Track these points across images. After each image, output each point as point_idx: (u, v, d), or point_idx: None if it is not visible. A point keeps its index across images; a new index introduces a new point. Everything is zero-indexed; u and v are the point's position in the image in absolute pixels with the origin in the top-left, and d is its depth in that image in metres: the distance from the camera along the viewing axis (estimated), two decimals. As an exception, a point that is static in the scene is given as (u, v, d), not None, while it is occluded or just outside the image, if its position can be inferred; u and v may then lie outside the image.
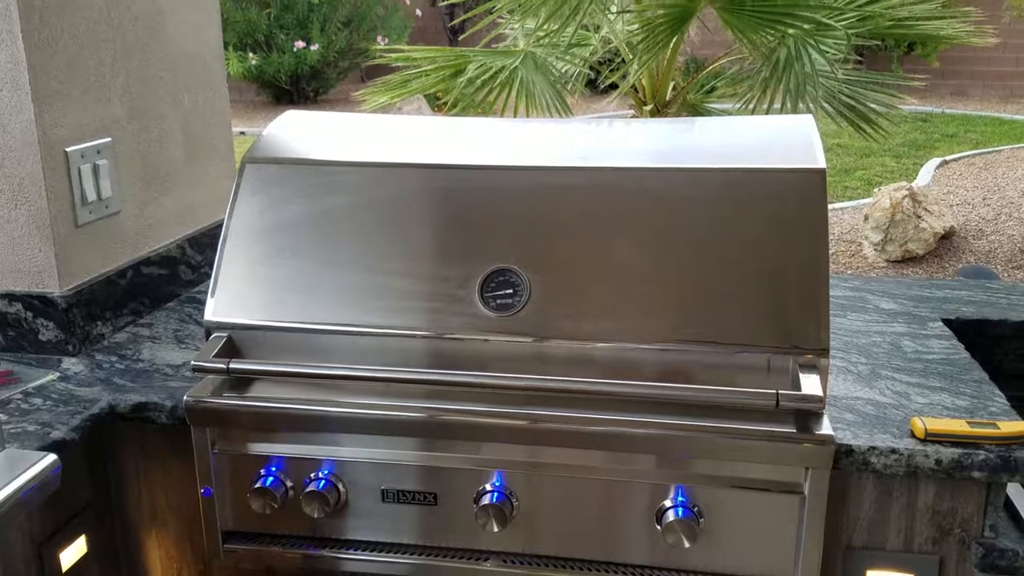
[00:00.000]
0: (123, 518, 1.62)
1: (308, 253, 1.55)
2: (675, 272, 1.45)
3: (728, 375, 1.40)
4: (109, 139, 1.80)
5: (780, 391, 1.32)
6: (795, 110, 4.62)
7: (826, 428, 1.34)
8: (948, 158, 9.18)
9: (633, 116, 5.15)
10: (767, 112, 4.37)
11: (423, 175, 1.58)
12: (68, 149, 1.69)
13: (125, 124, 1.86)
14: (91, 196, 1.74)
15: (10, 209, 1.66)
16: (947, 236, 5.89)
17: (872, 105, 4.75)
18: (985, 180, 8.05)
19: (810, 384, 1.33)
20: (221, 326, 1.53)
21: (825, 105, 4.72)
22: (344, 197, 1.58)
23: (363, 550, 1.52)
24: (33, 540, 1.44)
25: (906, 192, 5.76)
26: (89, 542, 1.55)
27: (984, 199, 7.19)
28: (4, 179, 1.64)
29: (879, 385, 1.54)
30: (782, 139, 1.59)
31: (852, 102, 4.77)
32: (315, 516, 1.48)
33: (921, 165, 8.98)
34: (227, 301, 1.54)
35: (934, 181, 8.17)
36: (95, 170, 1.75)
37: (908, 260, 5.77)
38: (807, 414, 1.37)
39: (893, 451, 1.33)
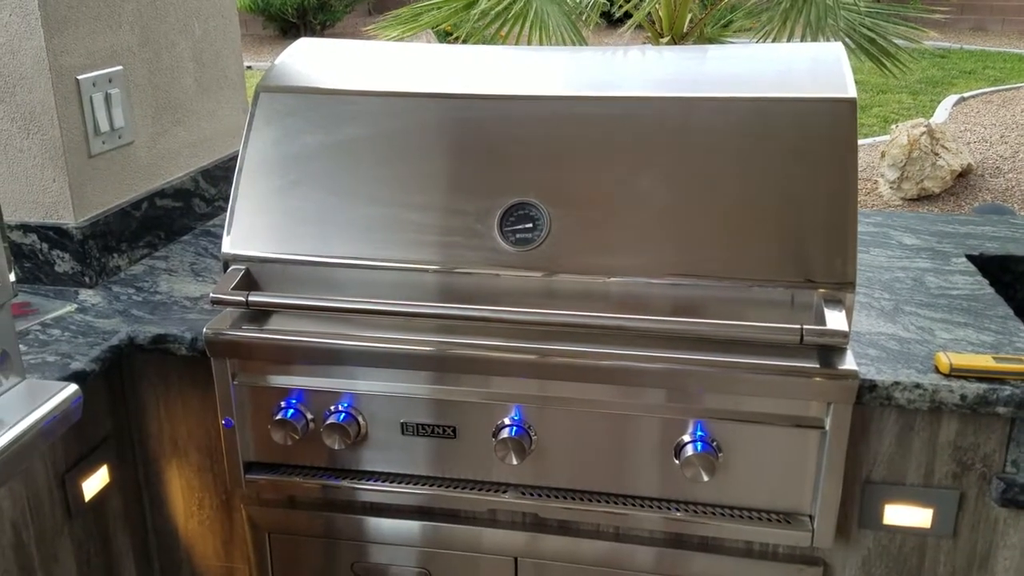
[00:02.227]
0: (144, 448, 1.64)
1: (324, 185, 1.53)
2: (699, 204, 1.42)
3: (751, 309, 1.39)
4: (120, 67, 1.77)
5: (805, 326, 1.30)
6: (815, 39, 4.52)
7: (850, 363, 1.33)
8: (966, 95, 9.02)
9: (646, 44, 5.05)
10: (787, 40, 4.27)
11: (440, 105, 1.54)
12: (79, 77, 1.66)
13: (136, 52, 1.82)
14: (104, 126, 1.72)
15: (22, 138, 1.64)
16: (964, 174, 5.81)
17: (893, 39, 4.64)
18: (1003, 117, 7.91)
19: (835, 319, 1.31)
20: (238, 259, 1.51)
21: (846, 39, 4.62)
22: (361, 127, 1.55)
23: (382, 481, 1.52)
24: (56, 470, 1.45)
25: (924, 129, 5.67)
26: (111, 472, 1.57)
27: (1002, 136, 7.08)
28: (16, 107, 1.62)
29: (903, 320, 1.53)
30: (810, 67, 1.54)
31: (873, 35, 4.67)
32: (336, 448, 1.48)
33: (938, 102, 8.83)
34: (244, 234, 1.52)
35: (951, 118, 8.04)
36: (107, 99, 1.72)
37: (924, 198, 5.70)
38: (830, 349, 1.36)
39: (917, 386, 1.32)
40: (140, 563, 1.67)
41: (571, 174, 1.48)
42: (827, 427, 1.35)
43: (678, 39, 4.61)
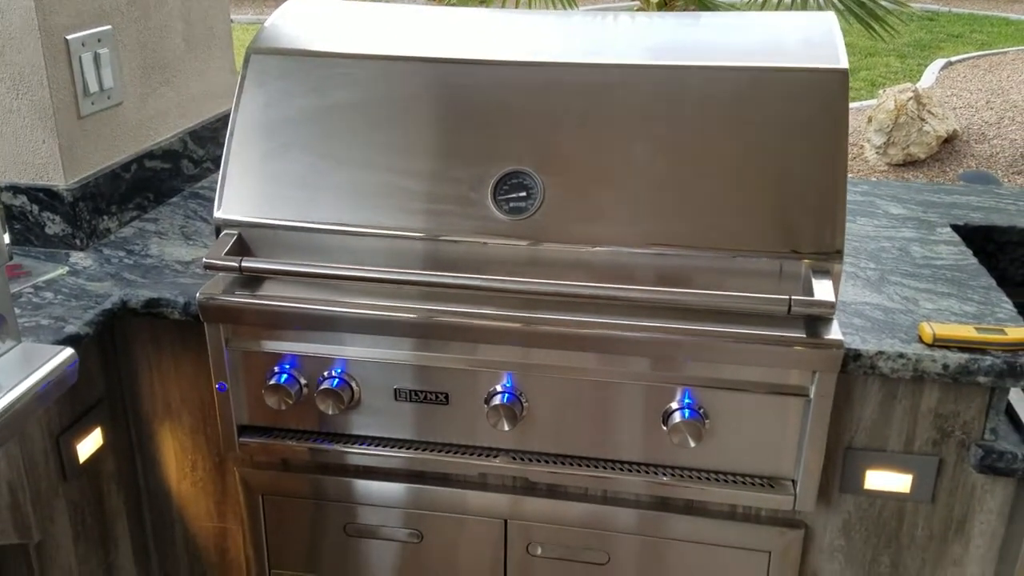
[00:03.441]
0: (136, 411, 1.65)
1: (316, 149, 1.53)
2: (691, 174, 1.44)
3: (739, 279, 1.41)
4: (109, 27, 1.75)
5: (793, 296, 1.32)
6: (804, 6, 4.50)
7: (835, 333, 1.35)
8: (953, 59, 9.03)
9: (639, 10, 5.01)
10: (777, 8, 4.26)
11: (435, 70, 1.54)
12: (68, 36, 1.64)
13: (124, 11, 1.80)
14: (93, 86, 1.70)
15: (12, 99, 1.62)
16: (949, 140, 5.84)
17: (882, 2, 4.63)
18: (989, 83, 7.93)
19: (822, 289, 1.34)
20: (231, 224, 1.52)
21: (836, 1, 4.60)
22: (353, 91, 1.55)
23: (374, 445, 1.55)
24: (51, 432, 1.46)
25: (911, 94, 5.68)
26: (105, 434, 1.58)
27: (987, 102, 7.11)
28: (4, 67, 1.60)
29: (888, 291, 1.55)
30: (802, 37, 1.55)
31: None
32: (330, 412, 1.50)
33: (926, 66, 8.83)
34: (236, 199, 1.52)
35: (937, 83, 8.06)
36: (96, 59, 1.70)
37: (909, 164, 5.73)
38: (816, 319, 1.38)
39: (901, 356, 1.35)
40: (133, 524, 1.70)
41: (565, 143, 1.49)
42: (812, 395, 1.38)
43: (668, 1, 4.58)
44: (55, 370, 1.26)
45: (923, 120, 5.60)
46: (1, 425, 1.15)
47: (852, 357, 1.36)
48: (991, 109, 6.84)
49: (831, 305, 1.31)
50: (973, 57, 9.15)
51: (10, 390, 1.19)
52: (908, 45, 9.62)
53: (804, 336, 1.35)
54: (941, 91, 7.53)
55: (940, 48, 9.69)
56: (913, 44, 9.75)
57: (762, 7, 4.48)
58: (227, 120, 2.16)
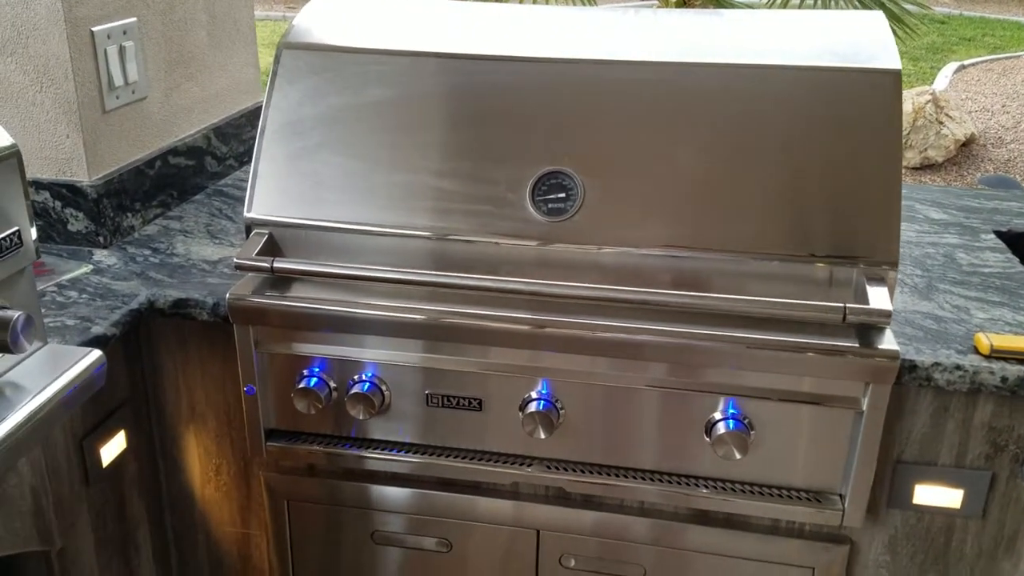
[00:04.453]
0: (160, 413, 1.60)
1: (350, 149, 1.48)
2: (738, 177, 1.39)
3: (785, 286, 1.36)
4: (134, 19, 1.70)
5: (848, 304, 1.28)
6: (825, 6, 4.46)
7: (890, 343, 1.31)
8: (966, 62, 8.97)
9: (657, 7, 4.97)
10: (799, 6, 4.21)
11: (471, 66, 1.49)
12: (94, 28, 1.59)
13: (150, 3, 1.75)
14: (118, 80, 1.66)
15: (35, 92, 1.58)
16: (967, 143, 5.78)
17: (905, 4, 4.59)
18: (1004, 86, 7.88)
19: (878, 297, 1.29)
20: (261, 223, 1.47)
21: (856, 2, 4.55)
22: (388, 88, 1.50)
23: (405, 451, 1.50)
24: (75, 435, 1.42)
25: (929, 97, 5.63)
26: (128, 437, 1.54)
27: (1003, 106, 7.05)
28: (28, 60, 1.56)
29: (937, 299, 1.50)
30: (853, 37, 1.50)
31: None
32: (360, 418, 1.46)
33: (938, 69, 8.78)
34: (267, 197, 1.48)
35: (951, 86, 8.00)
36: (121, 52, 1.66)
37: (926, 167, 5.68)
38: (869, 328, 1.33)
39: (958, 367, 1.31)
40: (155, 529, 1.65)
41: (605, 142, 1.44)
42: (864, 407, 1.33)
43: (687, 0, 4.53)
44: (82, 373, 1.21)
45: (941, 123, 5.55)
46: (27, 432, 1.11)
47: (907, 368, 1.31)
48: (1007, 113, 6.79)
49: (888, 314, 1.27)
50: (986, 60, 9.10)
51: (36, 394, 1.15)
52: (920, 48, 9.57)
53: (857, 346, 1.31)
54: (955, 94, 7.48)
55: (953, 51, 9.64)
56: (925, 47, 9.69)
57: (782, 6, 4.42)
58: (250, 116, 2.12)
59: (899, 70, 1.40)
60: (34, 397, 1.14)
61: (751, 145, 1.40)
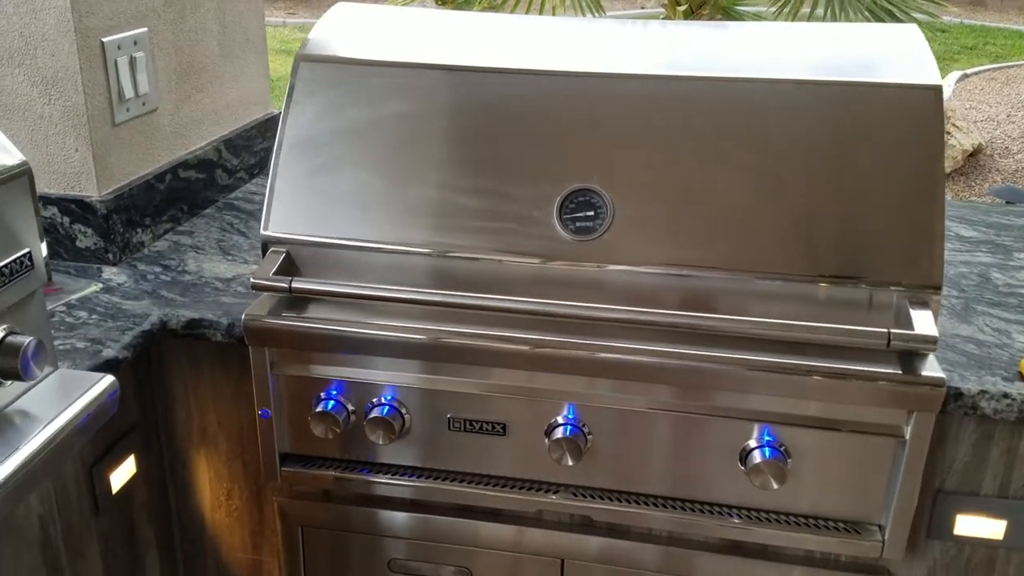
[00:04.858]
0: (171, 437, 1.55)
1: (370, 164, 1.43)
2: (775, 196, 1.34)
3: (822, 310, 1.31)
4: (145, 29, 1.65)
5: (891, 330, 1.23)
6: (835, 16, 4.42)
7: (935, 369, 1.26)
8: (969, 72, 8.95)
9: (665, 18, 4.93)
10: (808, 18, 4.18)
11: (495, 80, 1.45)
12: (105, 39, 1.54)
13: (161, 12, 1.70)
14: (128, 92, 1.61)
15: (43, 104, 1.52)
16: (974, 154, 5.75)
17: (914, 14, 4.55)
18: (1008, 96, 7.85)
19: (923, 323, 1.24)
20: (279, 241, 1.42)
21: (864, 10, 4.52)
22: (409, 102, 1.45)
23: (424, 477, 1.45)
24: (84, 462, 1.36)
25: (935, 107, 5.59)
26: (138, 462, 1.48)
27: (1008, 116, 7.02)
28: (36, 71, 1.50)
29: (977, 322, 1.46)
30: (890, 52, 1.46)
31: (892, 7, 4.57)
32: (380, 443, 1.41)
33: (941, 78, 8.75)
34: (285, 215, 1.43)
35: (955, 95, 7.97)
36: (132, 63, 1.61)
37: (932, 177, 5.63)
38: (912, 354, 1.28)
39: (1006, 396, 1.26)
40: (164, 555, 1.60)
41: (635, 159, 1.39)
42: (907, 436, 1.28)
43: (695, 8, 4.50)
44: (95, 400, 1.16)
45: (948, 134, 5.51)
46: (40, 463, 1.06)
47: (953, 396, 1.27)
48: (1013, 123, 6.76)
49: (934, 340, 1.22)
50: (989, 69, 9.08)
51: (48, 423, 1.09)
52: (923, 57, 9.54)
53: (900, 373, 1.26)
54: (960, 104, 7.45)
55: (955, 60, 9.62)
56: (928, 56, 9.67)
57: (790, 17, 4.38)
58: (261, 127, 2.06)
59: (940, 86, 1.35)
60: (46, 426, 1.09)
61: (789, 163, 1.35)
